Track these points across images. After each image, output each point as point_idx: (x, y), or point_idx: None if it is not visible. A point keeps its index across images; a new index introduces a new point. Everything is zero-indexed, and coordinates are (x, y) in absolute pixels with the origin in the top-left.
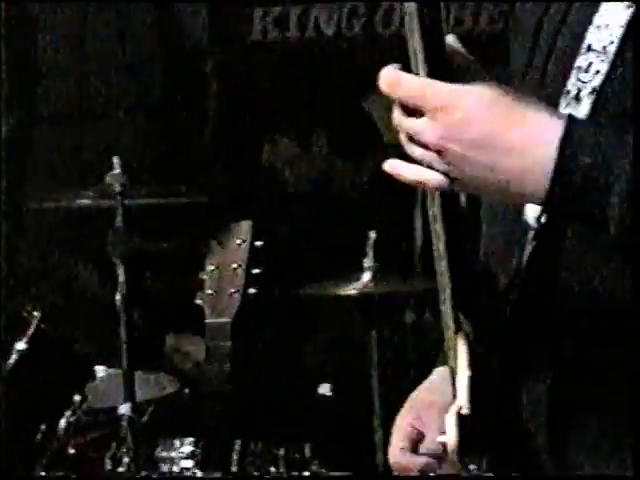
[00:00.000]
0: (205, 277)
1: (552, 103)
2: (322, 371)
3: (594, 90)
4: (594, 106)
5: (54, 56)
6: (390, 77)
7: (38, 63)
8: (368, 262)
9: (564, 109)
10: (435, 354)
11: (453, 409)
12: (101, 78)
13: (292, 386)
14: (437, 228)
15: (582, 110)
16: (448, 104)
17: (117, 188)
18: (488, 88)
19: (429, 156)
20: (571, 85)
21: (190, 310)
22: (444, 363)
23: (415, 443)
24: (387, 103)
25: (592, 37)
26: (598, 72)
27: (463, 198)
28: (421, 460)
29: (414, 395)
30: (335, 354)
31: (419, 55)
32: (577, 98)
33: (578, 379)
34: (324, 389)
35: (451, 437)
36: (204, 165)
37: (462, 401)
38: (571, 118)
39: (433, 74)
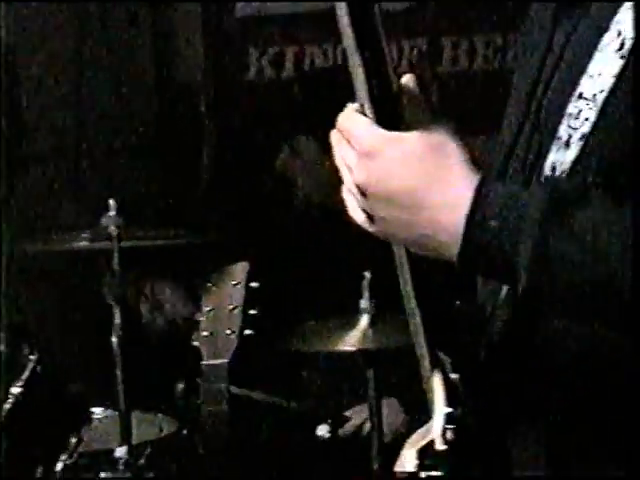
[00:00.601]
0: (201, 318)
1: (545, 147)
2: (320, 412)
3: (583, 136)
4: (582, 152)
5: (47, 94)
6: (340, 116)
7: (28, 102)
8: (364, 303)
9: (555, 154)
10: None
11: (420, 443)
12: (96, 116)
13: (290, 428)
14: (402, 265)
15: (570, 155)
16: (375, 151)
17: (113, 230)
18: (420, 141)
19: (355, 193)
20: (562, 131)
21: (188, 351)
22: None
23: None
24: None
25: (584, 85)
26: (587, 119)
27: None
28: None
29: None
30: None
31: (363, 97)
32: (567, 144)
33: (570, 423)
34: (322, 430)
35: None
36: (200, 205)
37: (435, 435)
38: (484, 181)
39: (378, 114)
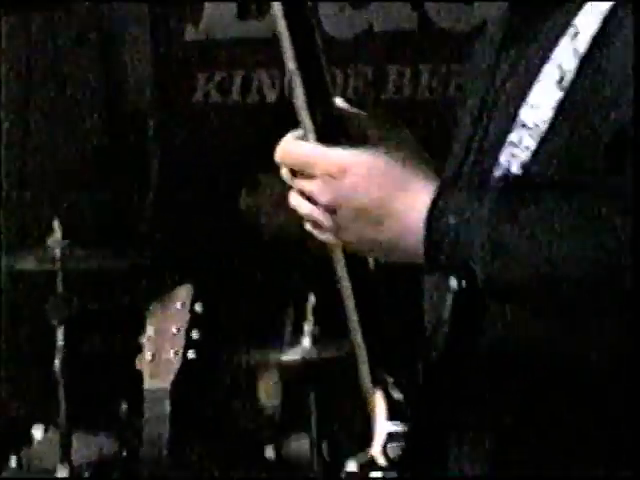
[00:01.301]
0: (144, 341)
1: (486, 175)
2: (266, 434)
3: (523, 164)
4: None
5: None
6: (281, 147)
7: None
8: (308, 326)
9: (497, 182)
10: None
11: (361, 457)
12: (42, 137)
13: (236, 449)
14: (344, 286)
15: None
16: (338, 171)
17: (57, 252)
18: (378, 156)
19: (317, 214)
20: (504, 158)
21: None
22: None
23: None
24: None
25: (525, 114)
26: (527, 148)
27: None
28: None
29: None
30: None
31: (306, 121)
32: (508, 171)
33: (517, 432)
34: (269, 452)
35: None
36: (145, 228)
37: (375, 452)
38: (442, 185)
39: (322, 139)
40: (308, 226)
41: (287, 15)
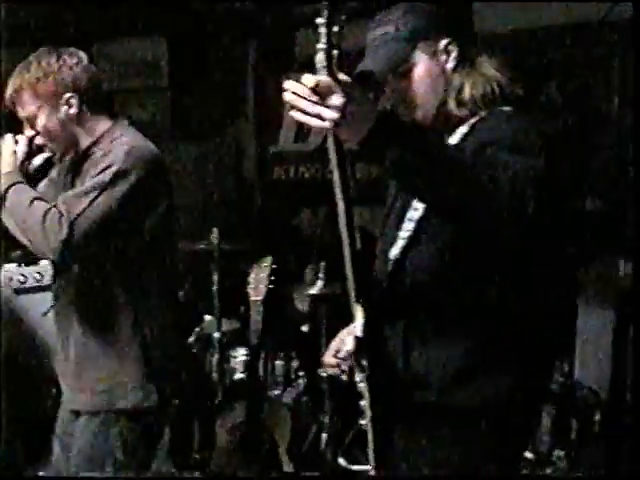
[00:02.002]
0: (250, 278)
1: (393, 238)
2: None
3: (412, 230)
4: (413, 234)
5: None
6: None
7: None
8: (321, 274)
9: (398, 241)
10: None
11: (352, 336)
12: None
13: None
14: (345, 252)
15: (404, 235)
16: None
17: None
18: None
19: (339, 98)
20: (404, 225)
21: None
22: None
23: (336, 351)
24: None
25: (410, 212)
26: (408, 230)
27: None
28: (336, 358)
29: (341, 333)
30: None
31: (338, 197)
32: (407, 231)
33: (417, 325)
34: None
35: (349, 343)
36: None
37: (357, 332)
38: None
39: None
40: (304, 117)
41: (336, 149)
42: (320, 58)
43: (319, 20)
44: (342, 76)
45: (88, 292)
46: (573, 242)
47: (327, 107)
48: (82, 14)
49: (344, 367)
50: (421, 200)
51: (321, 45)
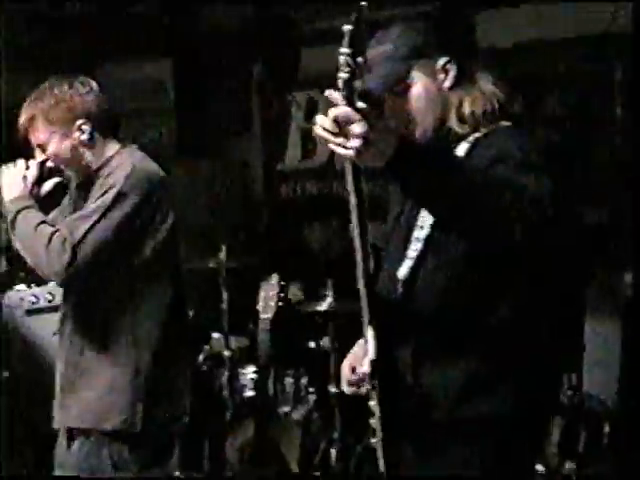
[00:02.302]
0: (260, 295)
1: (406, 244)
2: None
3: (419, 250)
4: (421, 254)
5: None
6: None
7: None
8: (330, 292)
9: (406, 261)
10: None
11: (367, 358)
12: None
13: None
14: (358, 274)
15: (412, 255)
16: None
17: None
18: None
19: (362, 128)
20: (411, 245)
21: None
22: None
23: (353, 369)
24: None
25: (420, 219)
26: (418, 238)
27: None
28: (355, 377)
29: (353, 350)
30: None
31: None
32: (414, 250)
33: (428, 348)
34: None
35: (365, 369)
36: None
37: (371, 355)
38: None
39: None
40: (332, 146)
41: (354, 176)
42: (341, 86)
43: (343, 50)
44: (361, 104)
45: (86, 311)
46: (579, 256)
47: (348, 136)
48: (86, 36)
49: (364, 389)
50: (439, 218)
51: (342, 74)
